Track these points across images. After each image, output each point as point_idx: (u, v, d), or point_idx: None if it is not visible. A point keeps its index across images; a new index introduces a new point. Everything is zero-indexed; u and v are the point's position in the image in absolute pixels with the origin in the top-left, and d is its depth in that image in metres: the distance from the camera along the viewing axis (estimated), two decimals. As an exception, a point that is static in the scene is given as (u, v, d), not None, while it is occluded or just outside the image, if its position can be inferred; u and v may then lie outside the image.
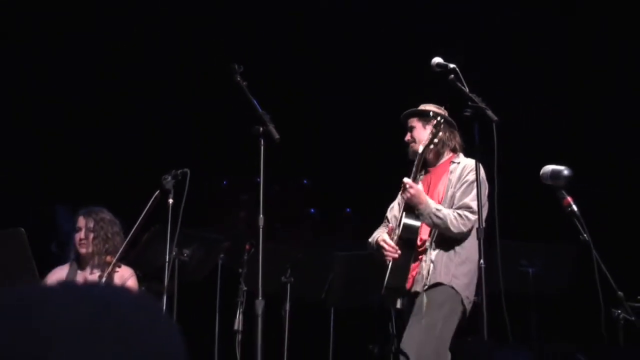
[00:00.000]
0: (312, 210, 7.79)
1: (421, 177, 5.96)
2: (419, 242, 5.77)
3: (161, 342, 1.17)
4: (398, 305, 5.83)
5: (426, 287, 5.56)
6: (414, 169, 5.81)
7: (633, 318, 5.78)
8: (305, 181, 7.54)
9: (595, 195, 7.04)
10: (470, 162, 5.71)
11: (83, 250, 6.38)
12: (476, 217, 5.42)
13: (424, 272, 5.60)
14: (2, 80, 8.68)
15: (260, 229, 5.39)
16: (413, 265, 5.73)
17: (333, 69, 8.95)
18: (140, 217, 6.13)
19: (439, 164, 5.94)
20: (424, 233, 5.80)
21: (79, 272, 6.42)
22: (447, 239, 5.65)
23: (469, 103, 5.28)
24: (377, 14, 9.05)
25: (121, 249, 6.23)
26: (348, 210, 7.84)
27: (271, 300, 6.10)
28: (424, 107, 6.02)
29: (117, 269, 6.24)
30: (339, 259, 7.24)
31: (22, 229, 6.28)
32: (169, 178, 6.21)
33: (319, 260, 7.28)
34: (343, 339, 7.34)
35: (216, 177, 6.99)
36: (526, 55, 8.80)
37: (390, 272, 5.70)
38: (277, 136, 5.43)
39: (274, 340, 6.51)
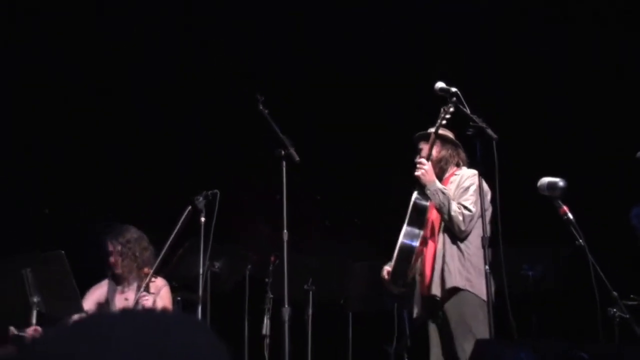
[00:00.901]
0: (328, 223, 7.79)
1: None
2: (427, 231, 5.77)
3: None
4: (414, 315, 5.81)
5: (443, 291, 5.52)
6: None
7: (627, 316, 5.74)
8: (318, 197, 7.55)
9: (588, 203, 7.01)
10: (469, 172, 5.76)
11: (117, 271, 6.39)
12: (471, 213, 5.54)
13: (438, 278, 5.55)
14: (45, 107, 8.67)
15: (285, 242, 5.41)
16: (426, 268, 5.69)
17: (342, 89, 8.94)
18: (174, 232, 6.05)
19: (443, 178, 5.84)
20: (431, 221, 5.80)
21: (117, 287, 6.43)
22: (455, 244, 5.59)
23: (471, 123, 5.25)
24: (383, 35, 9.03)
25: (157, 262, 6.19)
26: (356, 220, 7.79)
27: (295, 306, 6.07)
28: (428, 130, 5.89)
29: (153, 279, 6.21)
30: (356, 268, 7.22)
31: (62, 251, 6.28)
32: (201, 198, 6.24)
33: (337, 269, 7.24)
34: (361, 340, 7.31)
35: (243, 196, 6.96)
36: (522, 73, 8.75)
37: (397, 258, 5.74)
38: (297, 158, 5.49)
39: (299, 343, 6.47)
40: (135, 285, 6.29)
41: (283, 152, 5.48)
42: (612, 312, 5.83)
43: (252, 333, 6.94)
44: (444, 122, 5.61)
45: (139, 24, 8.67)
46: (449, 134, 5.91)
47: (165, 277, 6.59)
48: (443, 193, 5.57)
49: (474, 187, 5.58)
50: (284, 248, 5.42)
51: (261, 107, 5.64)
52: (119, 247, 6.37)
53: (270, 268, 6.79)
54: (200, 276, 6.20)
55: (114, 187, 8.39)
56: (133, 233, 6.47)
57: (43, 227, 7.61)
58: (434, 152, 5.80)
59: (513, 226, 5.32)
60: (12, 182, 8.31)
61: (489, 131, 5.18)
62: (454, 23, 8.75)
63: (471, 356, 4.58)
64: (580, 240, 5.26)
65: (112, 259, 6.37)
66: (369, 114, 8.68)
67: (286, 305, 5.50)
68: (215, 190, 6.23)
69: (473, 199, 5.55)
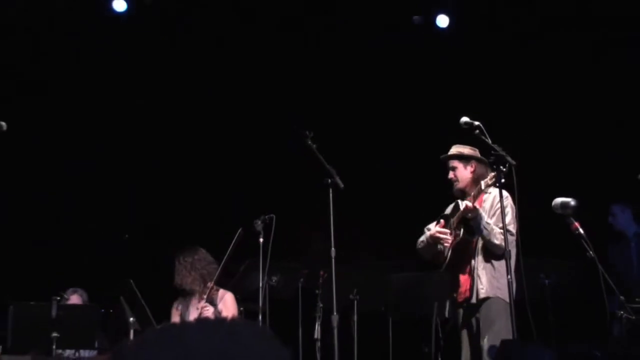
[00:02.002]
0: (373, 240, 7.79)
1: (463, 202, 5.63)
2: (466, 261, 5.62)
3: None
4: (446, 315, 5.89)
5: (477, 300, 5.43)
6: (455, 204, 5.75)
7: (633, 317, 5.69)
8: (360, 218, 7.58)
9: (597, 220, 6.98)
10: (495, 192, 5.46)
11: (186, 287, 6.47)
12: (514, 237, 5.32)
13: (473, 287, 5.45)
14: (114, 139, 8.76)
15: (333, 259, 5.40)
16: (462, 279, 5.59)
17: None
18: (228, 251, 6.26)
19: (477, 197, 5.58)
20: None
21: (188, 302, 6.52)
22: (489, 258, 5.47)
23: (492, 152, 5.22)
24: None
25: (216, 275, 6.37)
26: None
27: (342, 314, 6.08)
28: (461, 149, 5.76)
29: (217, 292, 6.42)
30: (395, 279, 7.16)
31: (131, 280, 6.38)
32: (259, 222, 6.33)
33: (378, 281, 7.19)
34: (400, 342, 7.27)
35: (295, 219, 6.99)
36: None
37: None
38: (341, 185, 5.49)
39: (346, 346, 6.44)
40: (203, 298, 6.34)
41: (329, 181, 5.48)
42: (619, 314, 5.77)
43: (305, 338, 6.90)
44: (496, 184, 5.30)
45: (206, 59, 8.79)
46: (478, 154, 5.76)
47: (230, 289, 6.66)
48: (487, 225, 5.38)
49: (512, 211, 5.44)
50: (332, 263, 5.41)
51: (310, 142, 5.64)
52: (188, 265, 6.45)
53: (320, 281, 6.75)
54: (260, 289, 6.29)
55: (188, 213, 8.46)
56: (199, 254, 6.54)
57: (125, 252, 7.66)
58: (470, 169, 5.68)
59: (531, 240, 5.30)
60: (95, 212, 8.43)
61: (509, 158, 5.12)
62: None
63: (497, 355, 4.57)
64: (590, 252, 5.25)
65: (179, 274, 6.47)
66: (405, 145, 8.70)
67: (335, 313, 5.51)
68: (272, 215, 6.31)
69: (514, 223, 5.39)
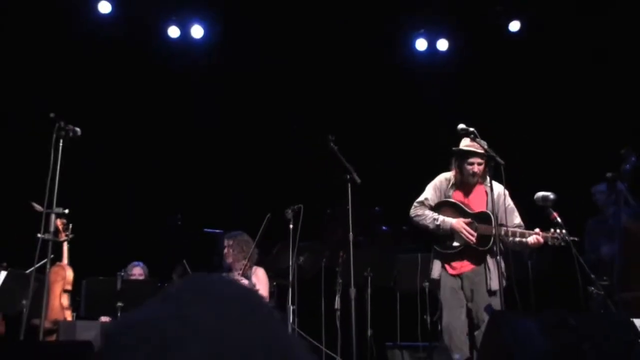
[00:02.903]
0: (384, 227, 7.75)
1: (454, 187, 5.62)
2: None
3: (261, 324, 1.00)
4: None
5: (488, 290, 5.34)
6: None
7: (602, 292, 5.76)
8: (377, 208, 7.55)
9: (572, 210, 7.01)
10: (501, 188, 5.44)
11: (229, 261, 6.59)
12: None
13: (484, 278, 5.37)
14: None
15: (351, 242, 5.48)
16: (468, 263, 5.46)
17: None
18: (260, 231, 6.38)
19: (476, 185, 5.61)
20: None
21: (230, 274, 6.50)
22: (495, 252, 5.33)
23: (484, 152, 5.31)
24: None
25: (249, 253, 6.44)
26: (377, 209, 7.67)
27: (358, 288, 6.14)
28: (487, 148, 5.42)
29: (253, 268, 6.52)
30: (402, 259, 7.24)
31: (184, 260, 6.52)
32: (289, 211, 6.39)
33: (388, 260, 7.26)
34: (406, 312, 7.33)
35: (320, 208, 7.06)
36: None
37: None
38: (359, 181, 5.52)
39: (361, 315, 6.52)
40: (239, 273, 6.43)
41: (348, 177, 5.51)
42: (590, 290, 5.86)
43: (327, 308, 6.95)
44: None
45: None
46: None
47: (264, 267, 6.76)
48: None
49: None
50: (350, 246, 5.49)
51: (332, 144, 5.69)
52: (232, 243, 6.58)
53: (340, 261, 6.80)
54: (290, 267, 6.41)
55: (233, 203, 8.58)
56: (242, 236, 6.65)
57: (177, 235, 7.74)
58: (483, 166, 5.49)
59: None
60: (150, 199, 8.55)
61: (498, 158, 5.22)
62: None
63: (488, 324, 4.62)
64: (567, 238, 5.33)
65: (226, 251, 6.58)
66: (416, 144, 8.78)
67: (352, 287, 5.60)
68: (300, 205, 6.41)
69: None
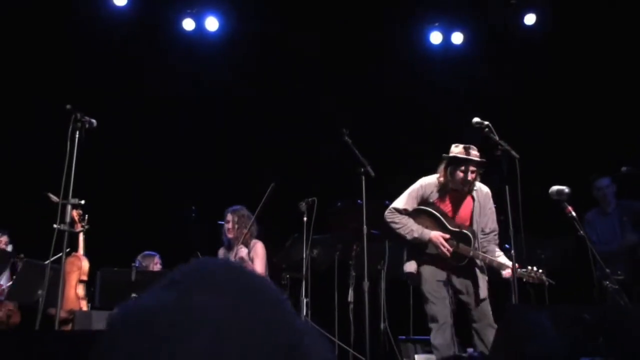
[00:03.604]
0: None
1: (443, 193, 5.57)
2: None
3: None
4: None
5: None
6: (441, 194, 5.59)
7: (617, 287, 5.75)
8: (387, 202, 7.53)
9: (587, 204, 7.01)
10: (487, 190, 5.56)
11: (230, 235, 6.53)
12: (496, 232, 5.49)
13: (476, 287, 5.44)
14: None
15: (364, 235, 5.44)
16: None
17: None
18: (262, 200, 6.28)
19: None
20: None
21: (230, 250, 6.60)
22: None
23: (499, 147, 5.25)
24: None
25: (250, 224, 6.39)
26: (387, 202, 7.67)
27: (371, 281, 6.14)
28: (479, 157, 5.46)
29: (252, 242, 6.47)
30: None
31: (198, 252, 6.56)
32: (303, 204, 6.39)
33: (401, 253, 7.23)
34: (419, 305, 7.31)
35: (333, 201, 7.06)
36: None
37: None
38: (373, 174, 5.49)
39: (374, 308, 6.53)
40: (242, 248, 6.42)
41: (362, 170, 5.47)
42: (605, 284, 5.84)
43: (340, 301, 6.97)
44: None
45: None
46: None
47: (278, 260, 6.78)
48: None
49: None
50: (364, 239, 5.43)
51: (346, 138, 5.65)
52: (234, 218, 6.53)
53: (353, 253, 6.79)
54: (304, 260, 6.40)
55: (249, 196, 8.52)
56: (244, 210, 6.59)
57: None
58: (474, 177, 5.48)
59: (530, 222, 5.32)
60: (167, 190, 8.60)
61: (513, 152, 5.14)
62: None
63: (505, 317, 4.61)
64: (581, 232, 5.31)
65: (230, 226, 6.52)
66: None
67: (366, 280, 5.59)
68: (314, 198, 6.42)
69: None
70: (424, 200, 5.58)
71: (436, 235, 5.41)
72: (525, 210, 5.22)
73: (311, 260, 6.66)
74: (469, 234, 5.40)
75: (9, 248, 6.93)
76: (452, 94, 8.95)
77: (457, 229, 5.46)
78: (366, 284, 5.58)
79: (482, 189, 5.51)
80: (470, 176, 5.44)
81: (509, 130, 5.67)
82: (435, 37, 9.50)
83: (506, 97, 8.83)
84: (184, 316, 0.91)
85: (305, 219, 6.38)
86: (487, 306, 5.35)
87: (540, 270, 5.31)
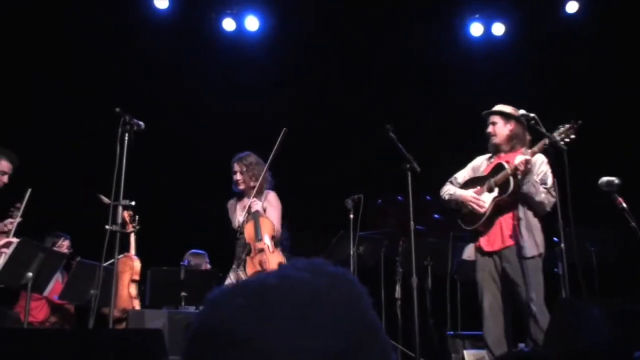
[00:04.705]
0: (437, 216, 7.71)
1: (492, 159, 5.46)
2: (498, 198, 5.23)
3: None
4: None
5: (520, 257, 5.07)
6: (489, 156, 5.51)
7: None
8: (428, 197, 7.48)
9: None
10: (542, 157, 5.25)
11: (241, 187, 6.09)
12: (555, 199, 5.08)
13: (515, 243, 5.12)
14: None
15: (412, 231, 5.40)
16: (497, 233, 5.21)
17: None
18: (274, 148, 6.07)
19: (510, 152, 5.35)
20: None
21: (240, 201, 6.19)
22: (529, 218, 5.13)
23: (546, 140, 5.19)
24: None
25: (262, 173, 6.02)
26: (428, 198, 7.61)
27: (418, 276, 6.12)
28: (504, 108, 5.45)
29: (265, 192, 6.08)
30: (461, 247, 7.23)
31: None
32: (350, 201, 6.43)
33: (447, 248, 7.23)
34: (467, 300, 7.31)
35: (380, 197, 7.09)
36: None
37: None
38: (418, 169, 5.43)
39: (421, 304, 6.54)
40: (253, 199, 5.99)
41: (408, 166, 5.43)
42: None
43: (387, 297, 6.97)
44: (566, 138, 5.16)
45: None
46: (518, 113, 5.38)
47: (325, 257, 6.80)
48: (535, 183, 5.07)
49: (551, 175, 5.17)
50: (411, 235, 5.39)
51: (391, 134, 5.59)
52: (244, 168, 6.08)
53: (400, 249, 6.81)
54: (350, 257, 6.46)
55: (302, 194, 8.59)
56: (251, 156, 6.18)
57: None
58: (509, 127, 5.35)
59: (580, 213, 5.27)
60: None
61: (561, 144, 5.10)
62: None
63: (555, 310, 4.58)
64: (633, 224, 5.25)
65: (239, 177, 6.08)
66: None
67: (414, 276, 5.59)
68: (360, 195, 6.44)
69: (555, 188, 5.12)
70: (474, 171, 5.55)
71: (466, 194, 5.36)
72: (574, 202, 5.18)
73: (358, 257, 6.67)
74: (504, 162, 5.24)
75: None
76: (494, 86, 8.88)
77: (491, 169, 5.34)
78: (414, 280, 5.57)
79: (537, 157, 5.21)
80: (490, 128, 5.41)
81: (555, 122, 5.63)
82: (476, 29, 9.44)
83: (550, 87, 8.73)
84: (265, 324, 0.91)
85: (351, 216, 6.42)
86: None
87: (567, 125, 5.17)
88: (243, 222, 5.95)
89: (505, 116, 5.40)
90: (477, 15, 9.43)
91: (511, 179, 5.15)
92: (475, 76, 9.15)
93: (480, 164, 5.57)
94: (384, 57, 9.10)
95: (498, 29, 9.39)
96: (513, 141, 5.37)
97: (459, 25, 9.49)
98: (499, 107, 5.46)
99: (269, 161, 6.06)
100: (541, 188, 5.10)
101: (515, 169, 5.09)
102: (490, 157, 5.53)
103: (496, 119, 5.42)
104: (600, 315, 4.05)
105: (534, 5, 9.10)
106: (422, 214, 7.52)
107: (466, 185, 5.51)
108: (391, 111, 7.80)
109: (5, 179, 5.88)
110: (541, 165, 5.24)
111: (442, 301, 7.23)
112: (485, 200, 5.29)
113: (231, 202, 6.28)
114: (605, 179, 5.30)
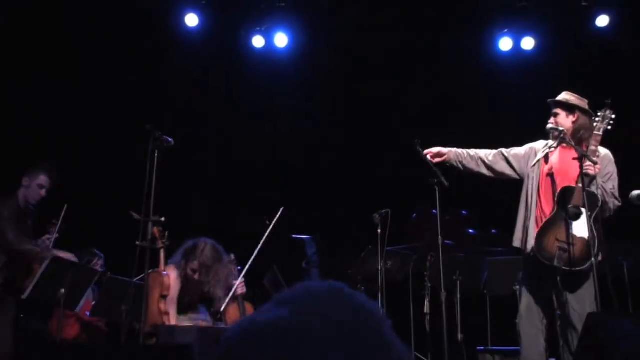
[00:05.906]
0: (471, 230, 7.69)
1: (552, 149, 5.05)
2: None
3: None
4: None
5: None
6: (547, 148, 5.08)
7: None
8: (464, 212, 7.49)
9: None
10: (609, 155, 4.98)
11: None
12: (619, 204, 4.84)
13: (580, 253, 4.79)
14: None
15: (440, 246, 5.36)
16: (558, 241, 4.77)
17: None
18: (269, 227, 6.15)
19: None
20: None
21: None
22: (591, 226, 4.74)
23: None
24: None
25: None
26: (494, 231, 7.60)
27: (446, 291, 6.11)
28: (568, 97, 5.06)
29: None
30: (492, 262, 7.17)
31: (275, 265, 6.60)
32: (377, 216, 6.43)
33: (477, 263, 7.21)
34: (497, 316, 7.27)
35: (415, 212, 7.08)
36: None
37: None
38: (446, 184, 5.36)
39: (451, 319, 6.50)
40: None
41: (435, 180, 5.35)
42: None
43: (415, 312, 6.96)
44: (607, 126, 4.90)
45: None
46: (586, 105, 5.05)
47: (354, 272, 6.81)
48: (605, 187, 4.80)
49: (617, 177, 4.91)
50: (440, 250, 5.35)
51: (418, 148, 5.53)
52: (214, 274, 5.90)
53: (428, 264, 6.77)
54: (379, 272, 6.47)
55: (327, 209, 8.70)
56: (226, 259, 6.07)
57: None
58: (571, 119, 4.97)
59: (611, 226, 5.18)
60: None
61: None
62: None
63: (585, 324, 4.51)
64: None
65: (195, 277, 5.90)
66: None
67: (443, 291, 5.58)
68: (387, 210, 6.44)
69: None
70: (526, 156, 5.22)
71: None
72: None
73: (386, 272, 6.68)
74: (571, 186, 4.82)
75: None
76: (524, 101, 8.83)
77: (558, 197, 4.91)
78: (443, 295, 5.60)
79: (601, 150, 4.90)
80: (552, 120, 5.03)
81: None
82: (505, 44, 9.40)
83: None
84: (299, 335, 0.96)
85: (379, 230, 6.42)
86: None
87: (605, 112, 4.89)
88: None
89: (569, 107, 5.01)
90: (505, 30, 9.39)
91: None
92: (503, 91, 9.11)
93: (538, 150, 5.14)
94: (411, 72, 9.10)
95: (528, 43, 9.33)
96: (579, 133, 4.95)
97: (487, 40, 9.46)
98: (562, 97, 5.06)
99: (264, 236, 6.10)
100: (609, 191, 4.83)
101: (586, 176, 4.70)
102: (551, 147, 5.08)
103: (558, 109, 5.03)
104: (633, 330, 4.01)
105: (564, 19, 9.03)
106: (455, 228, 7.52)
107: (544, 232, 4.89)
108: (420, 125, 7.78)
109: (43, 192, 6.03)
110: (608, 165, 4.91)
111: (472, 316, 7.18)
112: (580, 229, 4.81)
113: None
114: (636, 192, 5.19)
